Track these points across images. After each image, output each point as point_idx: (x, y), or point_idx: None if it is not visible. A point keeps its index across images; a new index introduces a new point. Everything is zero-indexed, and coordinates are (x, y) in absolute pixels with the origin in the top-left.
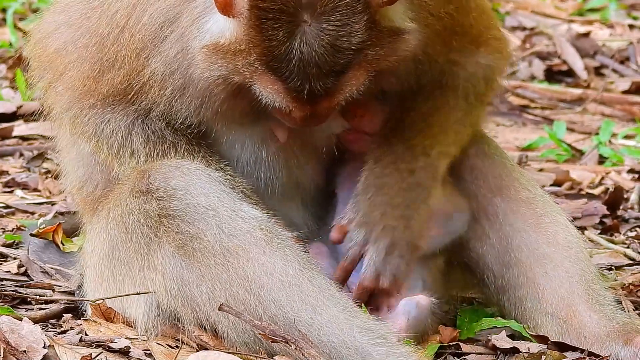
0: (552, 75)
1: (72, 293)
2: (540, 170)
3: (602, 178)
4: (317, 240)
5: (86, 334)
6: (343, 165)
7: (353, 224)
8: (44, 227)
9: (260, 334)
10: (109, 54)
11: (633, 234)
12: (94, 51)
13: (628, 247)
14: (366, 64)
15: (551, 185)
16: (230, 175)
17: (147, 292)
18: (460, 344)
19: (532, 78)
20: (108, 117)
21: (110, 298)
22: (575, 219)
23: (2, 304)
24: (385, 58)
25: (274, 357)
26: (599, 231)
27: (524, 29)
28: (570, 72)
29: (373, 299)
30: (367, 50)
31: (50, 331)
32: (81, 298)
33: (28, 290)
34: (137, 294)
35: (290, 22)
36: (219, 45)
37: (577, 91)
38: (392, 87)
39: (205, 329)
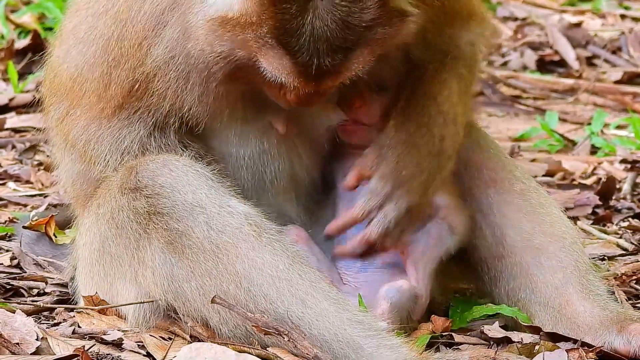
0: (544, 66)
1: (64, 285)
2: (533, 160)
3: (595, 168)
4: (295, 225)
5: (79, 326)
6: (342, 160)
7: (378, 175)
8: (36, 220)
9: (253, 325)
10: (114, 52)
11: (626, 224)
12: (101, 55)
13: (621, 237)
14: (373, 43)
15: (543, 175)
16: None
17: (149, 301)
18: (453, 334)
19: (524, 68)
20: (124, 133)
21: (114, 307)
22: (567, 209)
23: None
24: (391, 39)
25: (267, 349)
26: (591, 221)
27: (516, 19)
28: (562, 62)
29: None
30: (376, 29)
31: (43, 323)
32: (74, 301)
33: (21, 282)
34: (140, 302)
35: None
36: (227, 18)
37: (569, 81)
38: (389, 75)
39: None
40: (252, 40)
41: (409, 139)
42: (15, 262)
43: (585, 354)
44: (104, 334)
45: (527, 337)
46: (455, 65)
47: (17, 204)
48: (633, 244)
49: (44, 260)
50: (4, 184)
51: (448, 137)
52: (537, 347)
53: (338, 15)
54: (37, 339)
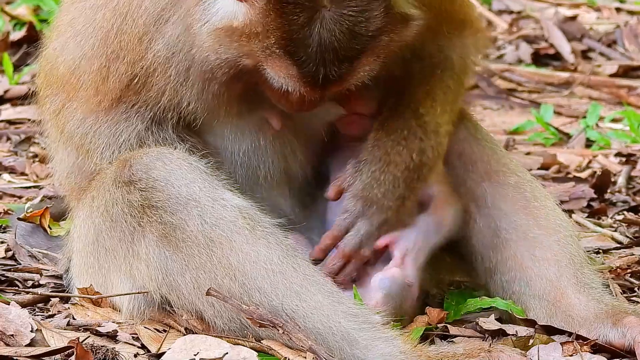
0: (539, 59)
1: (59, 277)
2: (528, 153)
3: (590, 161)
4: (295, 231)
5: (74, 318)
6: (336, 153)
7: (350, 194)
8: (31, 211)
9: (247, 318)
10: (113, 45)
11: (620, 217)
12: (99, 47)
13: (615, 231)
14: (379, 49)
15: (538, 168)
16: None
17: (144, 292)
18: (448, 326)
19: (519, 61)
20: (121, 127)
21: (108, 297)
22: (562, 202)
23: None
24: (395, 43)
25: (261, 341)
26: (586, 214)
27: (511, 12)
28: (557, 56)
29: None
30: (382, 36)
31: (37, 315)
32: (68, 293)
33: (15, 274)
34: (135, 293)
35: (311, 7)
36: (232, 28)
37: (565, 74)
38: (386, 66)
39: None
40: (259, 49)
41: (385, 157)
42: (9, 253)
43: (579, 347)
44: (99, 326)
45: (522, 330)
46: (442, 77)
47: (12, 195)
48: (628, 237)
49: (39, 252)
50: None
51: (428, 149)
52: (531, 340)
53: (345, 25)
54: (31, 331)
